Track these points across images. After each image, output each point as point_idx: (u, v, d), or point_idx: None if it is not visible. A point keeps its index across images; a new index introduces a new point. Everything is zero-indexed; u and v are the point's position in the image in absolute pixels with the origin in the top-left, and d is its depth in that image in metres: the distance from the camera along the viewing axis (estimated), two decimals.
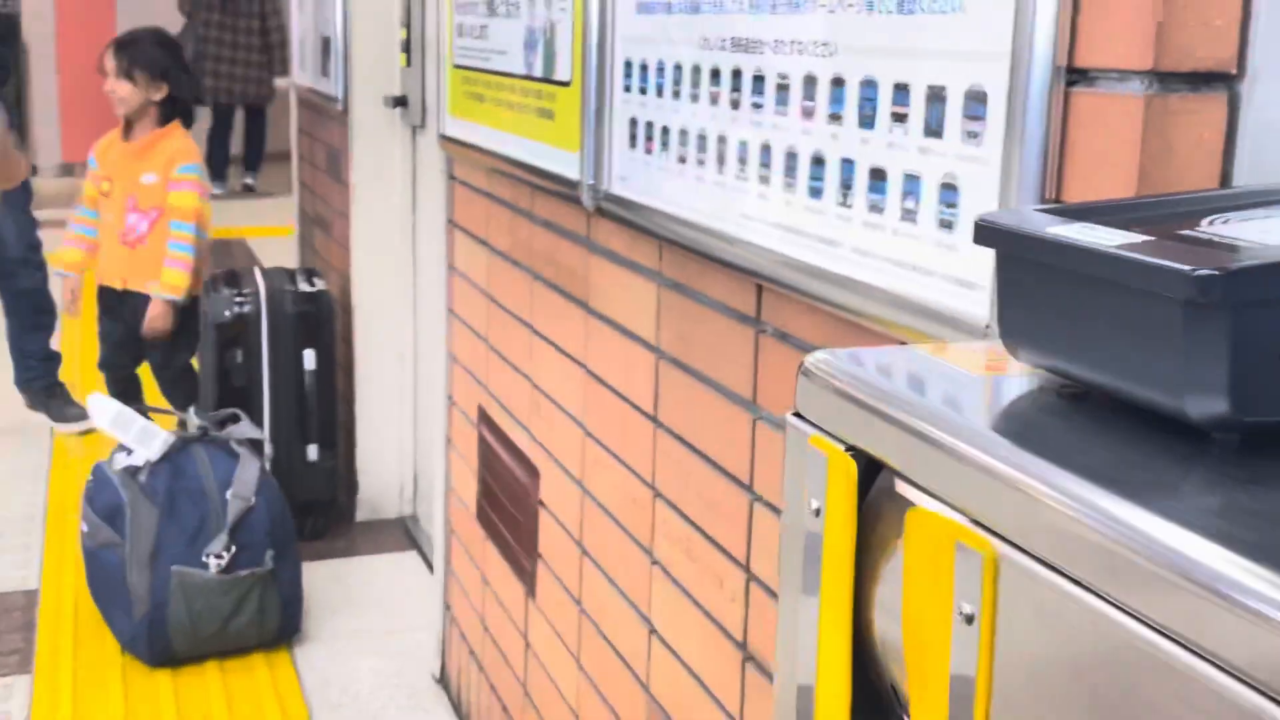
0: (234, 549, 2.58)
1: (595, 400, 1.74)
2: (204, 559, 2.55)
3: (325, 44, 3.47)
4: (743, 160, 1.24)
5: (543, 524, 1.98)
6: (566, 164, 1.72)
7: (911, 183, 0.97)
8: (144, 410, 2.81)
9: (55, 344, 4.08)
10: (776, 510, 1.25)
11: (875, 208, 1.02)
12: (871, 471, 0.63)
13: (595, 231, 1.71)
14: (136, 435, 2.65)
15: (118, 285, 3.40)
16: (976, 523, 0.53)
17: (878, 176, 1.02)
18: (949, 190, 0.93)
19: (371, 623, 2.86)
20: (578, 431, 1.81)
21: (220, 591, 2.56)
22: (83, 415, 3.95)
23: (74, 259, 3.46)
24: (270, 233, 6.44)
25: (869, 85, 1.02)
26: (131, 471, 2.64)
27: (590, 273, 1.73)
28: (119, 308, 3.43)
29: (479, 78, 2.12)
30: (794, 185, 1.14)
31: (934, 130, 0.94)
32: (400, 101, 3.17)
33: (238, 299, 3.15)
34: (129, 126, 3.37)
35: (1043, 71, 0.82)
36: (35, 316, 3.98)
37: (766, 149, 1.19)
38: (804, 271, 1.13)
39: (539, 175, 1.85)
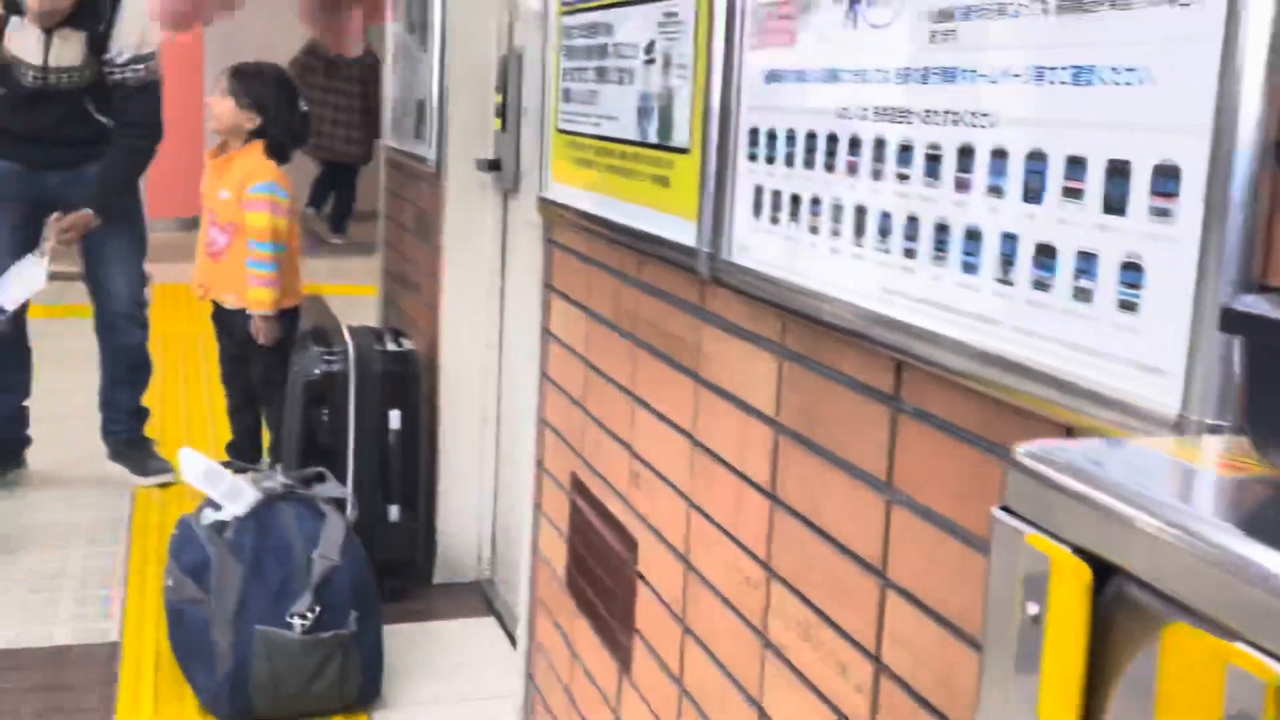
0: (318, 609, 2.55)
1: (703, 473, 1.70)
2: (288, 619, 2.52)
3: (420, 107, 3.50)
4: (885, 232, 1.19)
5: (640, 597, 1.93)
6: (681, 231, 1.68)
7: (1086, 261, 0.92)
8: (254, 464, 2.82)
9: (144, 400, 4.12)
10: (914, 598, 1.19)
11: (1041, 285, 0.97)
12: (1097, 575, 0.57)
13: (710, 300, 1.67)
14: (225, 491, 2.64)
15: (200, 294, 3.60)
16: (1254, 645, 0.48)
17: (1045, 253, 0.97)
18: (1131, 270, 0.88)
19: (449, 689, 2.81)
20: (682, 504, 1.76)
21: (303, 652, 2.52)
22: (164, 469, 3.97)
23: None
24: (350, 290, 6.49)
25: (1037, 158, 0.98)
26: (218, 527, 2.63)
27: (702, 342, 1.69)
28: (221, 320, 3.64)
29: (586, 143, 2.10)
30: (944, 260, 1.10)
31: (1115, 206, 0.89)
32: (494, 165, 3.17)
33: (327, 357, 3.15)
34: (223, 146, 3.54)
35: (1249, 147, 0.77)
36: (130, 372, 4.03)
37: (913, 221, 1.15)
38: (955, 350, 1.08)
39: (649, 242, 1.82)
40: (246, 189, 3.44)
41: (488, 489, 3.40)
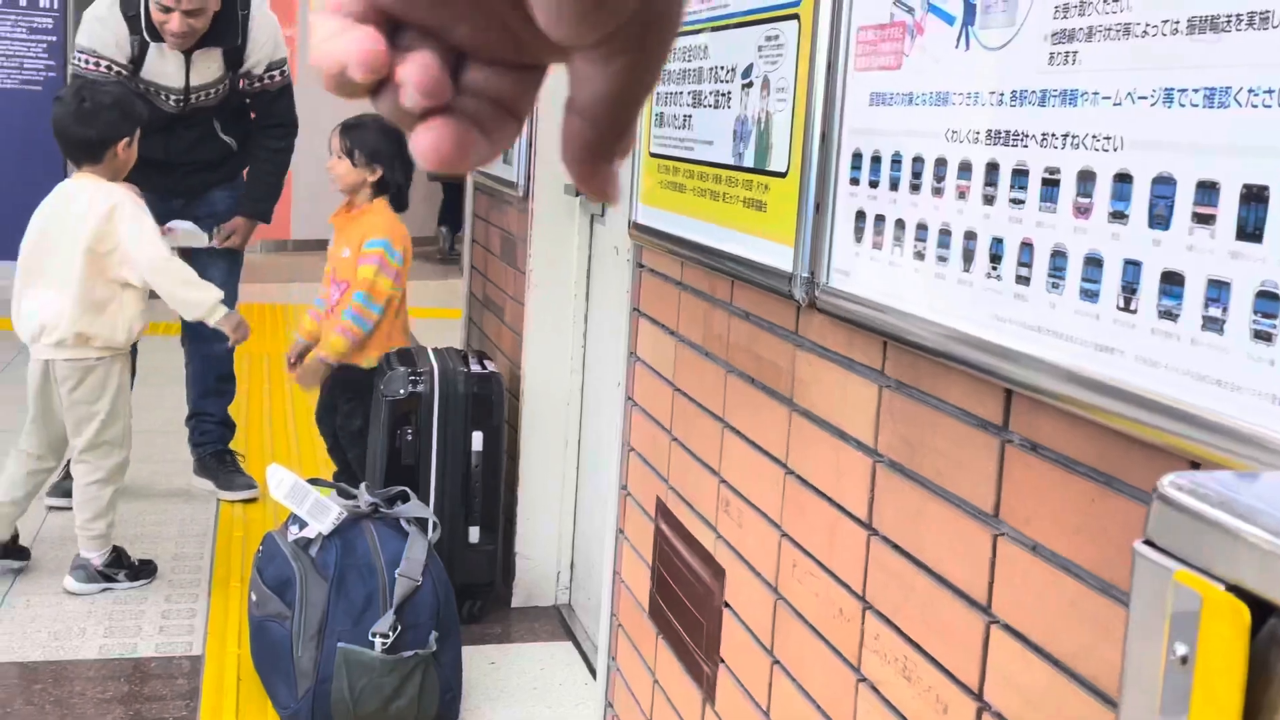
0: (399, 629, 2.55)
1: (796, 501, 1.67)
2: (370, 637, 2.53)
3: None
4: (996, 258, 1.17)
5: (726, 627, 1.91)
6: (777, 255, 1.67)
7: (1217, 289, 0.89)
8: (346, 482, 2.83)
9: (230, 413, 4.18)
10: (1022, 636, 1.15)
11: (1168, 314, 0.94)
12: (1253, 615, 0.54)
13: (806, 326, 1.65)
14: (310, 509, 2.66)
15: (295, 351, 3.59)
16: None
17: (1171, 281, 0.94)
18: (1268, 299, 0.85)
19: (527, 713, 2.80)
20: (773, 533, 1.74)
21: (384, 671, 2.53)
22: (248, 485, 4.02)
23: (308, 326, 3.63)
24: (432, 314, 6.55)
25: (1164, 182, 0.95)
26: (303, 544, 2.65)
27: (798, 368, 1.67)
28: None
29: (679, 167, 2.09)
30: (1061, 287, 1.07)
31: (1250, 234, 0.86)
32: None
33: (412, 377, 3.17)
34: (349, 205, 3.54)
35: None
36: (219, 383, 4.10)
37: (1027, 247, 1.12)
38: (1070, 380, 1.04)
39: (742, 266, 1.80)
40: (364, 244, 3.42)
41: (568, 513, 3.40)
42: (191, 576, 3.42)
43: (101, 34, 3.68)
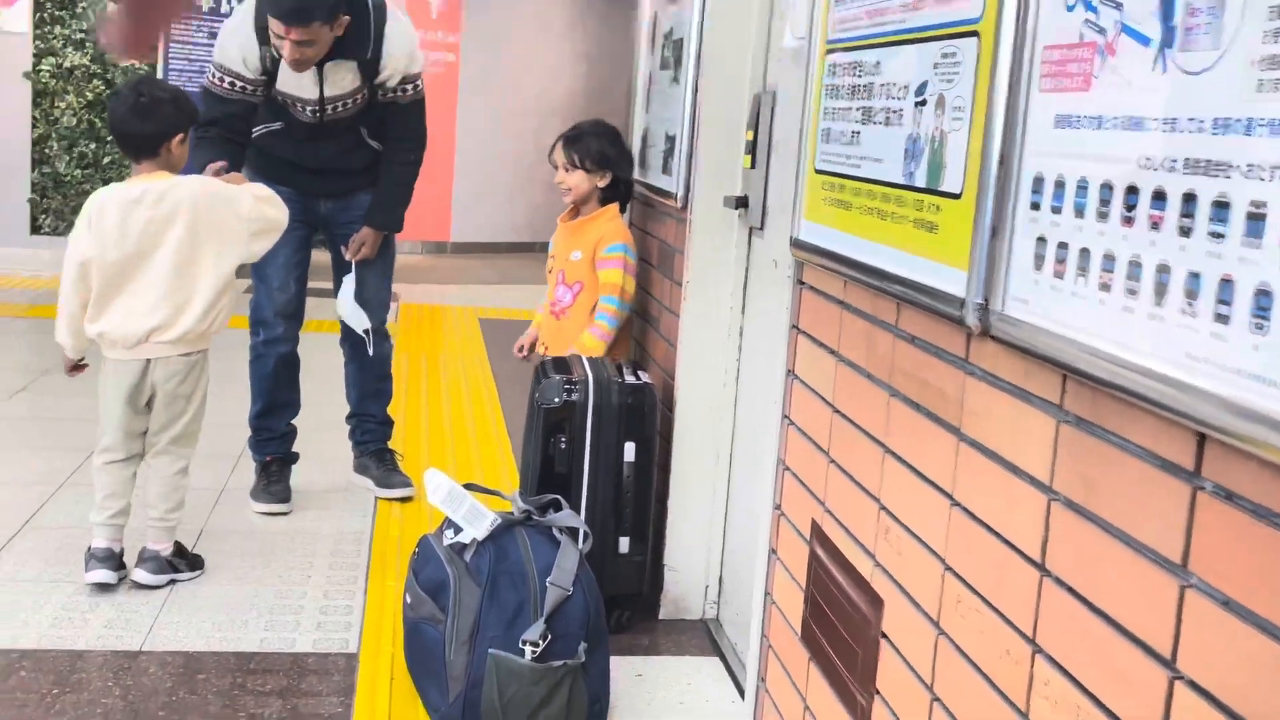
0: (549, 638, 2.56)
1: (961, 534, 1.61)
2: (520, 645, 2.55)
3: (670, 142, 3.52)
4: (1192, 294, 1.10)
5: (883, 658, 1.86)
6: (949, 280, 1.62)
7: None
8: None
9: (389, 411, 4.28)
10: (1209, 695, 1.09)
11: None
12: None
13: (978, 354, 1.59)
14: (466, 514, 2.70)
15: (542, 351, 3.69)
16: None
17: None
18: None
19: None
20: (936, 566, 1.68)
21: (533, 680, 2.54)
22: (405, 483, 4.11)
23: (536, 320, 3.84)
24: None
25: None
26: (458, 549, 2.69)
27: (967, 397, 1.62)
28: None
29: (845, 184, 2.05)
30: (1266, 328, 1.00)
31: None
32: (740, 202, 3.16)
33: (567, 385, 3.19)
34: (576, 210, 3.69)
35: None
36: (379, 383, 4.20)
37: (1227, 284, 1.05)
38: (1275, 428, 0.98)
39: (910, 288, 1.75)
40: (602, 249, 3.56)
41: (717, 527, 3.37)
42: (349, 574, 3.50)
43: (233, 49, 3.76)
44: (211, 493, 4.07)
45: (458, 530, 2.71)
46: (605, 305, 3.55)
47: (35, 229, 8.25)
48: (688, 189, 3.34)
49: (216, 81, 3.79)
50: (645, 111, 4.00)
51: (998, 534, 1.51)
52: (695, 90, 3.29)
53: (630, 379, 3.25)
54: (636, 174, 4.02)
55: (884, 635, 1.85)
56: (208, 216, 3.20)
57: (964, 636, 1.59)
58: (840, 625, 2.04)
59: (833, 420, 2.14)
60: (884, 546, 1.88)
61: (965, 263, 1.56)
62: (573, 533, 2.77)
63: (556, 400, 3.18)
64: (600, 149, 3.62)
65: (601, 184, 3.62)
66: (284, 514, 3.93)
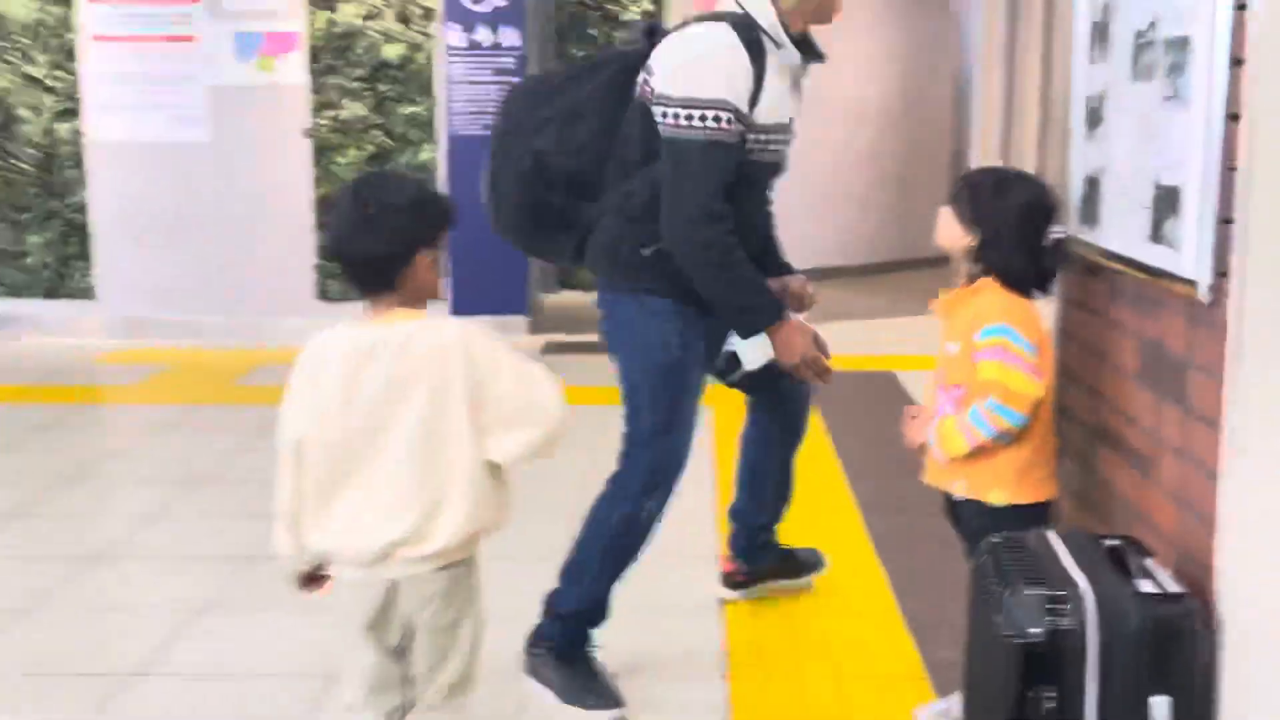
0: None
1: None
2: None
3: (1167, 195, 2.28)
4: None
5: None
6: None
7: None
8: None
9: None
10: None
11: None
12: None
13: None
14: None
15: (925, 478, 2.69)
16: None
17: None
18: None
19: None
20: None
21: None
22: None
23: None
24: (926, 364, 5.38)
25: None
26: None
27: None
28: (951, 513, 2.70)
29: None
30: None
31: None
32: None
33: (1051, 605, 2.01)
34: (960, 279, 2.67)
35: None
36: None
37: None
38: None
39: None
40: (974, 335, 2.52)
41: None
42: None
43: (738, 77, 2.75)
44: None
45: None
46: (987, 410, 2.47)
47: (323, 293, 7.71)
48: (1215, 270, 2.10)
49: (725, 126, 2.71)
50: (1090, 144, 2.75)
51: None
52: (1227, 117, 2.05)
53: (1147, 585, 2.04)
54: (1081, 232, 2.78)
55: None
56: (469, 376, 2.11)
57: None
58: None
59: None
60: None
61: None
62: None
63: (1035, 631, 2.00)
64: (988, 207, 2.57)
65: (963, 243, 2.58)
66: None
